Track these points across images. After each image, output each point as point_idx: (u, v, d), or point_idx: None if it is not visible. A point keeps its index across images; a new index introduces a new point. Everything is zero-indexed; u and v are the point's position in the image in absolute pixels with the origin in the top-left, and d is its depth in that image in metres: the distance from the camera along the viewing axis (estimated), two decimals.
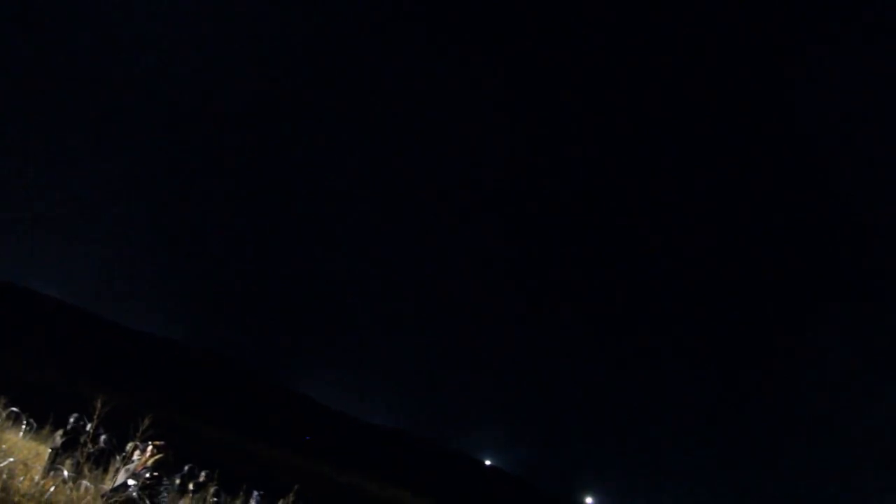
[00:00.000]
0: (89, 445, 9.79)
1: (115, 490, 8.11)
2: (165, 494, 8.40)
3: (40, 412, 15.37)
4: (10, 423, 14.62)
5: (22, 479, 9.35)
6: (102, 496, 8.20)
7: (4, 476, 8.92)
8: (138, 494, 8.03)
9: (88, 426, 10.37)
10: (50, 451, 10.93)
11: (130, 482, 8.14)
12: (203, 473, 13.06)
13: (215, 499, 13.39)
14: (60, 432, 11.13)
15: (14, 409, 14.91)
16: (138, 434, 9.30)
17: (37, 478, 9.79)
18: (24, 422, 14.98)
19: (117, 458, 10.52)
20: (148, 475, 8.18)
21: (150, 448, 8.50)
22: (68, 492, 9.13)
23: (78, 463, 9.91)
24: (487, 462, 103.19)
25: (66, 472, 9.95)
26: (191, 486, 12.49)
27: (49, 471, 10.32)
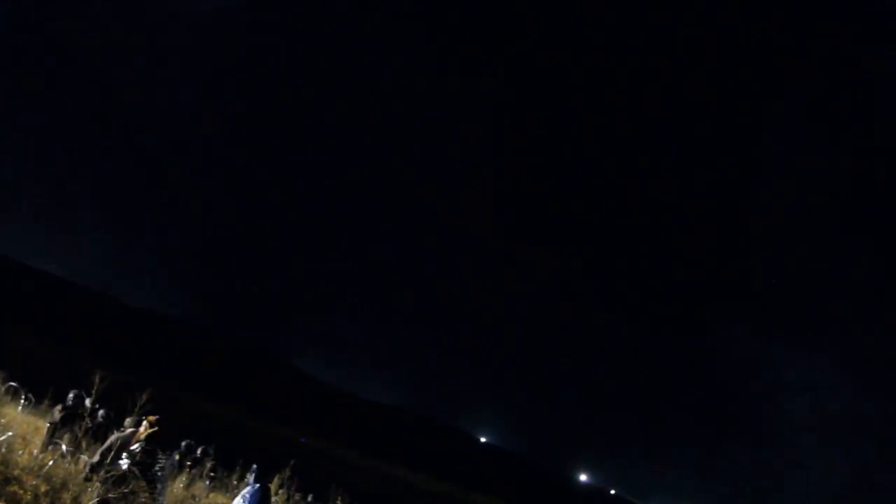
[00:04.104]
0: (87, 420, 9.87)
1: (100, 464, 8.12)
2: (160, 469, 8.46)
3: (39, 387, 15.44)
4: (9, 397, 14.70)
5: (21, 453, 9.43)
6: (90, 470, 8.23)
7: (3, 450, 9.01)
8: (130, 469, 8.08)
9: (87, 401, 10.42)
10: (48, 425, 10.99)
11: (124, 457, 8.19)
12: (200, 449, 13.16)
13: (212, 474, 13.52)
14: (59, 407, 11.18)
15: (13, 383, 14.97)
16: (136, 409, 9.37)
17: (35, 452, 9.87)
18: (23, 396, 15.05)
19: (115, 432, 10.59)
20: (139, 449, 8.22)
21: (144, 423, 8.54)
22: (67, 466, 9.22)
23: (76, 437, 9.98)
24: (482, 439, 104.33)
25: (64, 447, 10.02)
26: (188, 462, 12.58)
27: (48, 445, 10.38)
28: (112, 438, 8.63)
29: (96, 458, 8.39)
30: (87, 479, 8.36)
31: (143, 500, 8.29)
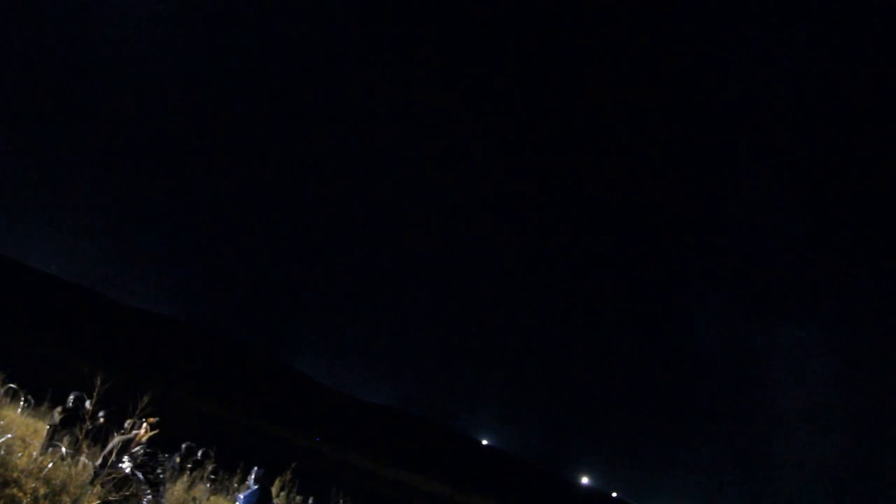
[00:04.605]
0: (88, 422, 9.80)
1: (105, 466, 8.08)
2: (161, 472, 8.39)
3: (39, 388, 15.38)
4: (9, 399, 14.63)
5: (20, 455, 9.35)
6: (95, 474, 8.17)
7: (2, 452, 8.93)
8: (132, 471, 8.01)
9: (88, 403, 10.35)
10: (48, 427, 10.91)
11: (125, 459, 8.13)
12: (201, 451, 13.07)
13: (212, 476, 13.42)
14: (59, 409, 11.11)
15: (12, 385, 14.90)
16: (137, 411, 9.29)
17: (35, 454, 9.79)
18: (23, 398, 14.97)
19: (115, 435, 10.52)
20: (142, 452, 8.16)
21: (144, 425, 8.48)
22: (66, 468, 9.14)
23: (77, 440, 9.90)
24: (484, 441, 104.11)
25: (64, 449, 9.95)
26: (188, 465, 12.51)
27: (47, 447, 10.31)
28: (115, 441, 8.56)
29: (99, 461, 8.33)
30: (93, 483, 8.29)
31: (144, 502, 8.22)
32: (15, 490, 8.10)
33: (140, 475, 8.11)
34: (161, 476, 8.51)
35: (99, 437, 10.99)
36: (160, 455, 8.54)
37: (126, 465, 8.16)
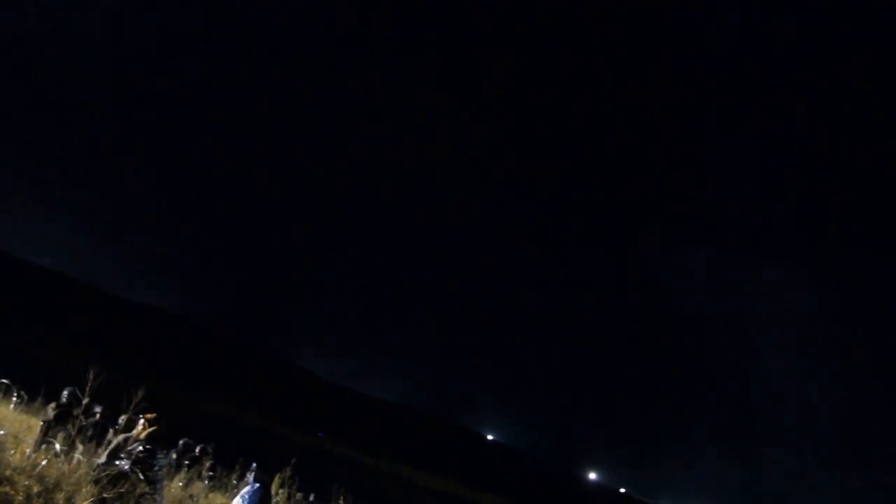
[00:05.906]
0: (82, 418, 9.61)
1: (105, 464, 7.93)
2: (159, 469, 8.24)
3: (31, 384, 15.22)
4: (1, 394, 14.50)
5: (13, 452, 9.22)
6: (94, 469, 8.02)
7: None
8: (131, 469, 7.84)
9: (83, 399, 10.19)
10: (42, 423, 10.75)
11: (122, 456, 7.97)
12: (199, 448, 12.94)
13: (210, 473, 13.28)
14: (53, 405, 10.94)
15: (5, 380, 14.77)
16: (132, 407, 9.12)
17: (28, 451, 9.65)
18: (15, 394, 14.83)
19: (110, 431, 10.35)
20: (140, 449, 8.00)
21: (142, 421, 8.31)
22: (61, 465, 8.98)
23: (70, 436, 9.74)
24: (489, 437, 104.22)
25: (58, 446, 9.80)
26: (186, 461, 12.36)
27: (41, 444, 10.16)
28: (118, 439, 8.41)
29: (103, 458, 8.17)
30: (87, 480, 8.13)
31: (141, 500, 8.06)
32: (7, 488, 7.95)
33: (138, 472, 7.95)
34: (158, 473, 8.35)
35: (94, 434, 10.82)
36: (158, 452, 8.38)
37: (123, 462, 7.99)
